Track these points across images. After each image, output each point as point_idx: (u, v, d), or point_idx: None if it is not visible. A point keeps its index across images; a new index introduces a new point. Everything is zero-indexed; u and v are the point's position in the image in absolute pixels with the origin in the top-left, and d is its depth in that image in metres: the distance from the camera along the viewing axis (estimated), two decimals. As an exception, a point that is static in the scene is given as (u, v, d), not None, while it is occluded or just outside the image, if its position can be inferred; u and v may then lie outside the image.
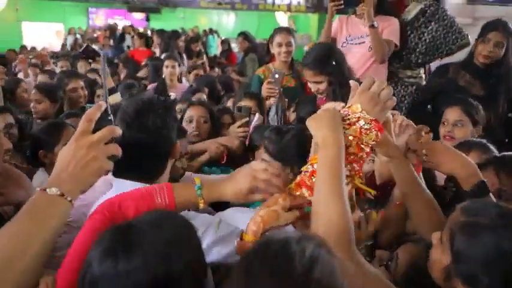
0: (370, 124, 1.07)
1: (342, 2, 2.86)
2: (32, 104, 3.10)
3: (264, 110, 2.59)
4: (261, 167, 1.10)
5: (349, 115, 1.09)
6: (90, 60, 5.09)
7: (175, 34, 6.11)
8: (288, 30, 3.11)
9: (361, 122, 1.07)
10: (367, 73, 2.99)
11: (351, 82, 1.19)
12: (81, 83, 3.29)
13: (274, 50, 3.02)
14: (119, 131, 1.01)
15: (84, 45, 6.31)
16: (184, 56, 6.33)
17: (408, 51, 3.09)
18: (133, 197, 1.10)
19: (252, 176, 1.09)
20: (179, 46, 5.71)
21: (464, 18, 7.73)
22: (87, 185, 0.99)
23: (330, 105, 1.18)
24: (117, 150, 1.01)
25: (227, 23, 15.77)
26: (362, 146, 1.08)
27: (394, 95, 1.12)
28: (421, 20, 3.04)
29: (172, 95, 3.46)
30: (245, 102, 2.50)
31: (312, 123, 1.10)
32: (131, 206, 1.07)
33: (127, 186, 1.24)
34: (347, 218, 0.98)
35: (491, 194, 1.24)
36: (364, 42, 3.06)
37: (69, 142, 0.99)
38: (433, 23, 3.02)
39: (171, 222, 0.92)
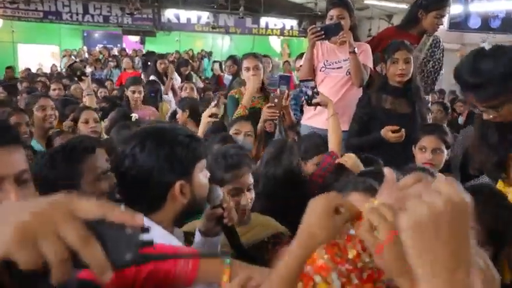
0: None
1: (323, 32, 2.88)
2: (51, 121, 3.09)
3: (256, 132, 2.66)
4: None
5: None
6: (75, 79, 4.96)
7: (160, 56, 6.12)
8: (254, 55, 3.16)
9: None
10: (345, 96, 3.03)
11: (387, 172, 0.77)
12: (51, 102, 3.19)
13: (243, 75, 3.11)
14: None
15: (72, 61, 6.21)
16: (177, 77, 6.30)
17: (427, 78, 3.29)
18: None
19: None
20: (163, 67, 5.70)
21: (452, 44, 7.81)
22: None
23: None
24: None
25: (222, 46, 15.91)
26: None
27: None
28: (433, 49, 3.28)
29: (134, 115, 3.43)
30: (238, 126, 2.56)
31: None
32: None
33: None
34: None
35: None
36: (341, 67, 3.09)
37: None
38: (437, 50, 3.27)
39: None
